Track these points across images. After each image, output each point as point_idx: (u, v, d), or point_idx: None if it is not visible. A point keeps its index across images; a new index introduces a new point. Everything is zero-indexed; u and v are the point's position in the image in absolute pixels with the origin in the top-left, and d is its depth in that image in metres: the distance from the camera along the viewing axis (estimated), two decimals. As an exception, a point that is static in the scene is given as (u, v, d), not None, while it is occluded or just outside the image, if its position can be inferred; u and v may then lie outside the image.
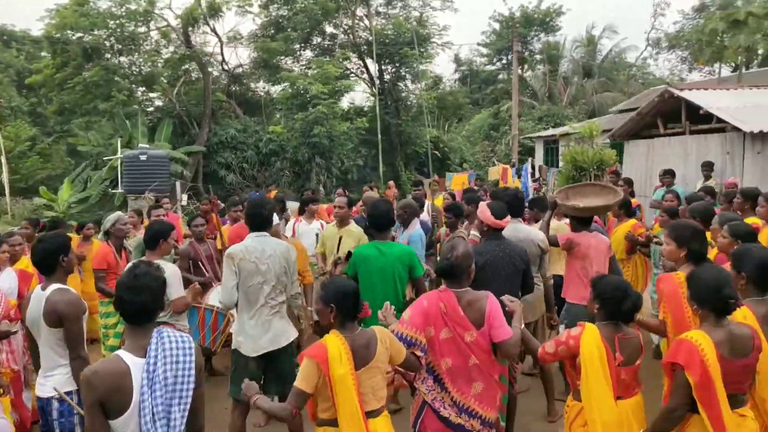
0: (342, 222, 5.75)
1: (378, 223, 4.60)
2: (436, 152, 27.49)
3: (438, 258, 4.64)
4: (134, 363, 2.36)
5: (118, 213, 5.89)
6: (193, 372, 2.42)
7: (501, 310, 3.24)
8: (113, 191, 18.10)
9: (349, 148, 24.33)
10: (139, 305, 2.41)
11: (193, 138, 22.83)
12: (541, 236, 4.83)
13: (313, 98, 21.12)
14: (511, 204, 4.74)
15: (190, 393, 2.41)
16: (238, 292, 4.09)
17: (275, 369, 4.25)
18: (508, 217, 4.41)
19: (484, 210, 4.34)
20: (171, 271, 4.19)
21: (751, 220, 4.88)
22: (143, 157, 16.41)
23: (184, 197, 17.46)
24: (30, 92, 27.12)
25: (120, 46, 21.13)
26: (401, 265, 4.38)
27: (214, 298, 5.53)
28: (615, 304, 3.03)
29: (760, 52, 26.49)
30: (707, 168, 9.85)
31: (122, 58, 21.92)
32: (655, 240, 6.42)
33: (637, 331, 3.25)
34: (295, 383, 2.85)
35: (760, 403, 2.97)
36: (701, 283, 2.83)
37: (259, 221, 4.23)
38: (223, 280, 4.17)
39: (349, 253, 4.73)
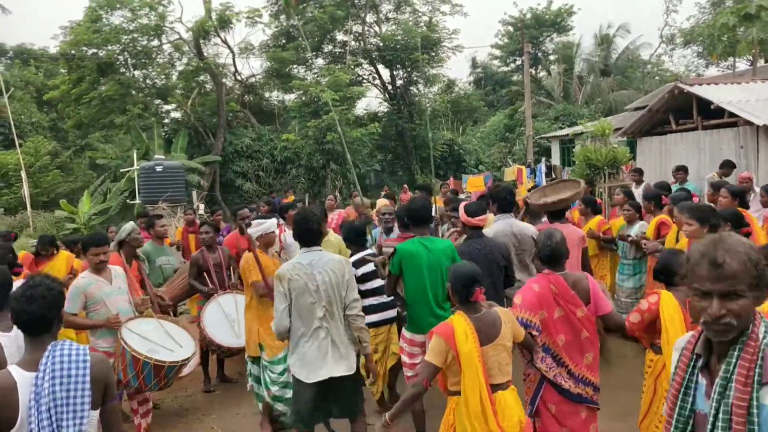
0: None
1: (416, 218, 4.55)
2: (444, 153, 27.47)
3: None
4: (22, 378, 2.30)
5: (132, 223, 6.00)
6: (87, 386, 2.33)
7: (599, 288, 3.64)
8: (131, 202, 18.38)
9: (365, 153, 24.45)
10: (32, 315, 2.36)
11: (209, 148, 23.13)
12: (534, 230, 4.95)
13: (326, 105, 21.26)
14: (505, 200, 5.02)
15: (86, 408, 2.32)
16: (290, 316, 3.85)
17: (338, 398, 3.98)
18: (486, 215, 4.66)
19: (461, 210, 4.63)
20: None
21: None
22: (159, 168, 16.64)
23: (201, 206, 17.72)
24: (50, 108, 27.68)
25: (134, 61, 21.49)
26: (446, 259, 4.34)
27: (211, 310, 5.59)
28: (672, 275, 3.48)
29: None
30: (727, 167, 9.13)
31: (136, 72, 22.29)
32: (619, 237, 6.64)
33: None
34: (426, 357, 3.18)
35: None
36: None
37: (307, 237, 3.99)
38: (274, 304, 3.92)
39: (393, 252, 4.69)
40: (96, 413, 2.42)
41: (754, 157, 10.47)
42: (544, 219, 5.73)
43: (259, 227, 5.03)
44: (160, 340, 4.99)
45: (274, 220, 5.21)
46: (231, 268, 6.34)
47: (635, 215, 6.54)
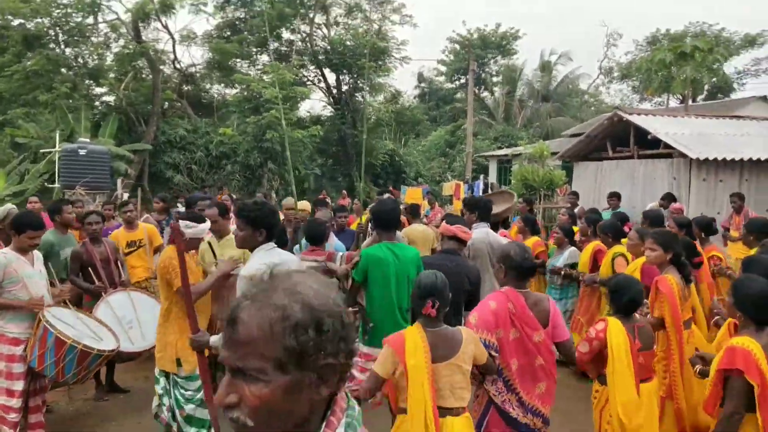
0: (220, 235, 5.15)
1: (385, 221, 4.25)
2: (385, 163, 27.39)
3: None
4: None
5: (9, 206, 5.30)
6: None
7: (559, 311, 3.42)
8: (50, 186, 17.19)
9: (305, 155, 23.95)
10: None
11: (140, 136, 22.02)
12: (505, 241, 4.94)
13: (267, 102, 20.70)
14: (485, 209, 5.22)
15: None
16: None
17: None
18: (471, 231, 4.52)
19: (444, 224, 4.39)
20: None
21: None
22: (82, 152, 15.60)
23: (125, 195, 16.75)
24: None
25: (65, 37, 20.24)
26: (413, 268, 4.11)
27: (102, 313, 4.94)
28: (620, 298, 3.46)
29: (705, 86, 27.53)
30: (668, 199, 9.22)
31: (67, 50, 20.99)
32: (551, 271, 6.57)
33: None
34: (374, 367, 3.00)
35: None
36: (749, 293, 2.97)
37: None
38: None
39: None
40: None
41: (686, 188, 10.75)
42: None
43: (193, 229, 4.27)
44: (83, 329, 4.52)
45: (206, 225, 4.48)
46: (119, 262, 5.76)
47: (564, 240, 6.58)
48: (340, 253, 4.95)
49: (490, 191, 21.61)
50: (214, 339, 3.24)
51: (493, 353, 3.16)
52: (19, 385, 4.18)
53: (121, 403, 5.63)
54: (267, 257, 3.26)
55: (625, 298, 3.45)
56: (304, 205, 8.23)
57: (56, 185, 16.44)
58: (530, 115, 36.26)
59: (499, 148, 28.93)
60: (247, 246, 3.44)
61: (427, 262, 4.19)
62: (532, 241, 7.01)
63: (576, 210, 9.49)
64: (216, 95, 26.73)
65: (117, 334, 4.78)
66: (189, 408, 4.11)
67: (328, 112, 28.51)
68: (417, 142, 35.68)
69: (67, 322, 4.40)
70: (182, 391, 4.15)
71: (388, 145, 28.65)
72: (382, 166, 27.46)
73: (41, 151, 18.25)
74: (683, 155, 10.62)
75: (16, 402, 4.16)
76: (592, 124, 15.91)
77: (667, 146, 10.98)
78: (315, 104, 30.12)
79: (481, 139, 31.74)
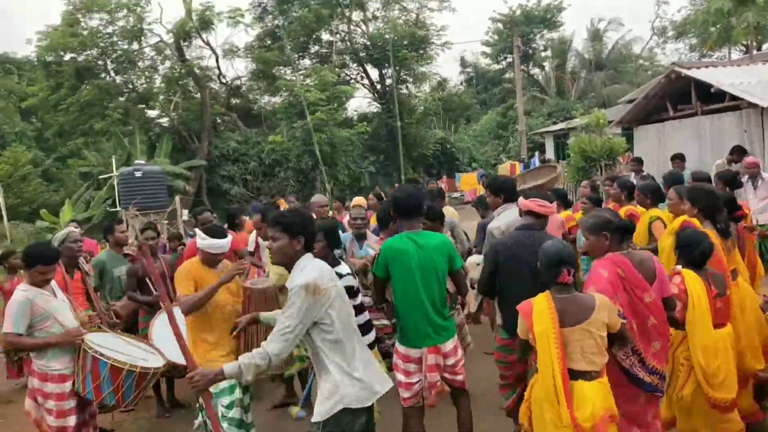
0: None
1: (404, 208, 3.77)
2: (437, 152, 26.96)
3: None
4: None
5: (69, 229, 5.31)
6: None
7: (663, 268, 3.46)
8: (112, 210, 17.77)
9: (355, 153, 23.89)
10: None
11: (195, 153, 22.54)
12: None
13: (312, 105, 20.72)
14: (512, 189, 4.75)
15: None
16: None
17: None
18: (554, 204, 4.26)
19: (521, 199, 4.07)
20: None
21: None
22: (138, 174, 16.01)
23: (185, 213, 17.10)
24: (36, 118, 27.06)
25: (114, 65, 20.90)
26: (441, 257, 3.69)
27: (160, 323, 4.69)
28: (691, 252, 3.53)
29: (771, 31, 25.66)
30: (738, 153, 8.57)
31: (117, 77, 21.67)
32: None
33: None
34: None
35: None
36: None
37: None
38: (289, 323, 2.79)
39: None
40: None
41: (759, 141, 9.93)
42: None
43: (210, 242, 3.96)
44: (131, 350, 4.32)
45: (224, 241, 4.06)
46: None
47: (592, 209, 6.03)
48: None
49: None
50: (229, 367, 2.76)
51: (621, 319, 3.11)
52: (71, 421, 4.03)
53: (182, 419, 5.58)
54: (316, 263, 2.94)
55: (697, 251, 3.53)
56: (360, 200, 7.98)
57: (118, 209, 16.96)
58: (584, 86, 35.03)
59: (554, 123, 28.00)
60: (285, 258, 2.95)
61: (502, 242, 3.91)
62: (563, 216, 6.48)
63: (640, 176, 8.89)
64: (263, 105, 27.04)
65: (169, 348, 4.65)
66: (225, 426, 3.81)
67: (374, 108, 28.33)
68: (468, 127, 35.11)
69: (112, 348, 4.22)
70: (219, 407, 3.90)
71: (438, 134, 28.26)
72: (434, 156, 27.11)
73: (101, 177, 18.89)
74: (753, 105, 9.80)
75: None
76: (647, 88, 15.05)
77: (734, 98, 10.17)
78: (362, 103, 30.00)
79: (534, 117, 30.90)
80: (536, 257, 3.55)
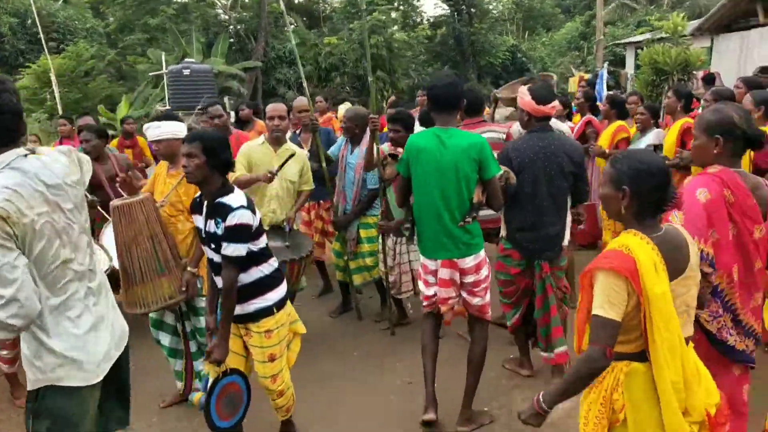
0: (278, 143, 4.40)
1: (439, 100, 3.28)
2: (506, 61, 25.20)
3: None
4: None
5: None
6: None
7: None
8: (163, 108, 17.82)
9: (420, 60, 22.71)
10: None
11: (252, 54, 22.08)
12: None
13: (371, 4, 19.56)
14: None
15: None
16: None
17: (117, 382, 2.37)
18: (555, 103, 3.67)
19: (523, 95, 3.63)
20: None
21: None
22: (186, 72, 15.83)
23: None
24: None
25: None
26: (468, 160, 3.17)
27: (109, 232, 4.15)
28: None
29: None
30: None
31: (174, -30, 21.18)
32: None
33: None
34: (598, 312, 1.93)
35: None
36: None
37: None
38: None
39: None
40: None
41: None
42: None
43: (156, 130, 3.59)
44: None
45: (179, 125, 3.67)
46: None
47: (650, 121, 5.38)
48: None
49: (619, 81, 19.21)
50: None
51: (707, 270, 2.28)
52: None
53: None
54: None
55: None
56: (349, 106, 7.38)
57: (167, 107, 16.96)
58: (680, -8, 31.49)
59: (642, 34, 25.44)
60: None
61: (514, 147, 3.59)
62: (614, 126, 5.82)
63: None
64: (325, 4, 25.96)
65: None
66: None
67: (441, 11, 26.63)
68: (546, 36, 32.68)
69: None
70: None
71: (508, 41, 26.36)
72: (503, 65, 25.42)
73: (151, 74, 18.88)
74: None
75: None
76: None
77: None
78: (430, 5, 28.26)
79: (621, 27, 28.18)
80: (551, 161, 3.46)
